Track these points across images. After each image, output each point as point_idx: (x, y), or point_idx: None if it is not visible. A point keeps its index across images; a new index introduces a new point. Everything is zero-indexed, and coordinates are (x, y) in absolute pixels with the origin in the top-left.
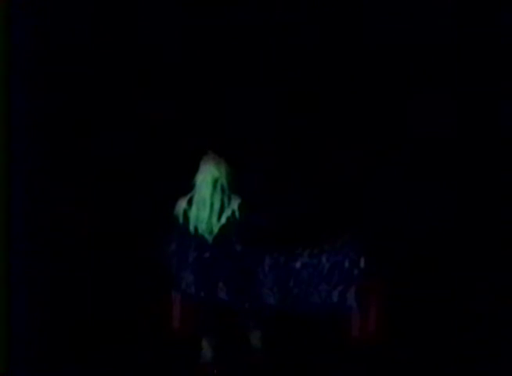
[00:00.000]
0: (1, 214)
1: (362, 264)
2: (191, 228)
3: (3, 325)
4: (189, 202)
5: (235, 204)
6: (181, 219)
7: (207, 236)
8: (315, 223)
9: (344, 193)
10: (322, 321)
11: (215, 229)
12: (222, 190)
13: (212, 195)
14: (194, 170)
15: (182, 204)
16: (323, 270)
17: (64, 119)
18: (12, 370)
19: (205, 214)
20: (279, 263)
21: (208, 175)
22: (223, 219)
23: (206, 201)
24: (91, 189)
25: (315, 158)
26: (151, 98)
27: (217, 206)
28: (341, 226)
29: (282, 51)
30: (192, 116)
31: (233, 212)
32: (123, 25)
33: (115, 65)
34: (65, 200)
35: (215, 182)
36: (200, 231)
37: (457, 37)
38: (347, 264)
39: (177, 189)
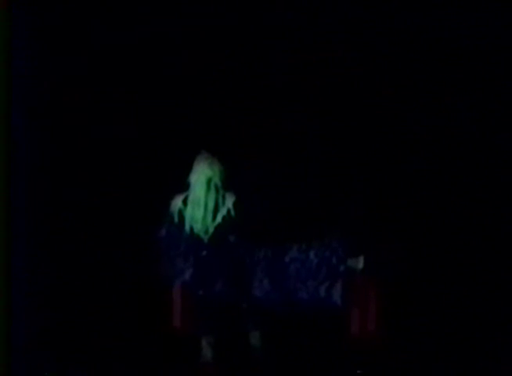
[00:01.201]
0: (1, 215)
1: (361, 263)
2: (187, 228)
3: (3, 325)
4: (185, 202)
5: (230, 202)
6: (176, 219)
7: (202, 235)
8: (304, 219)
9: (335, 189)
10: (320, 321)
11: (211, 229)
12: (216, 189)
13: (206, 194)
14: (188, 167)
15: (177, 204)
16: (311, 266)
17: (63, 119)
18: (12, 370)
19: (200, 213)
20: (268, 257)
21: (202, 175)
22: (218, 218)
23: (200, 201)
24: (90, 188)
25: (306, 154)
26: (148, 97)
27: (211, 205)
28: (330, 223)
29: (277, 52)
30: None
31: (228, 211)
32: (122, 25)
33: (112, 66)
34: (63, 199)
35: (209, 181)
36: (195, 231)
37: None
38: (334, 260)
39: (173, 188)
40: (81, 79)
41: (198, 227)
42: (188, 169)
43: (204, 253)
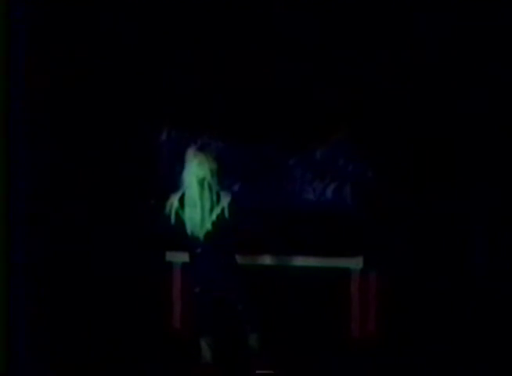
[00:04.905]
0: (1, 213)
1: (360, 263)
2: (188, 230)
3: (3, 325)
4: (181, 202)
5: (225, 201)
6: (173, 220)
7: (200, 235)
8: (308, 120)
9: (342, 93)
10: (321, 321)
11: (207, 227)
12: (210, 189)
13: (201, 195)
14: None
15: (174, 204)
16: (317, 167)
17: (62, 121)
18: (12, 370)
19: (197, 215)
20: (272, 160)
21: (193, 176)
22: (213, 217)
23: (196, 202)
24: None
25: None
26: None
27: (207, 205)
28: (335, 124)
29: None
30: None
31: (223, 210)
32: (120, 27)
33: (110, 66)
34: (63, 196)
35: (202, 181)
36: (194, 233)
37: None
38: (341, 161)
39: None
40: (80, 80)
41: (196, 228)
42: None
43: (199, 250)
